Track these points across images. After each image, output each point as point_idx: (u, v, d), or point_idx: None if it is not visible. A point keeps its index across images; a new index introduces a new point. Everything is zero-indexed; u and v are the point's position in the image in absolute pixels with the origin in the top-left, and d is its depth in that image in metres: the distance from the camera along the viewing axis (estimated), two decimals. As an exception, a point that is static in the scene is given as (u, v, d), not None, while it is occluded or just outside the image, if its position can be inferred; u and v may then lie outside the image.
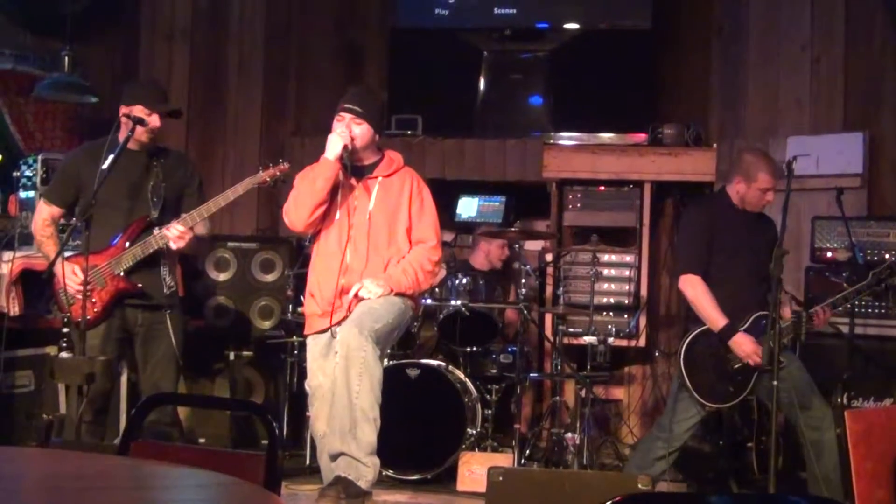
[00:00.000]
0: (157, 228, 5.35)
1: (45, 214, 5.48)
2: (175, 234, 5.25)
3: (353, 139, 5.19)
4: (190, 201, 5.52)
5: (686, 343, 5.55)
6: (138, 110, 5.32)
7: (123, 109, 5.36)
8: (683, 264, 5.68)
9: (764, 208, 5.70)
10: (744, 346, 5.42)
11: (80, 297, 5.09)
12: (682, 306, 5.91)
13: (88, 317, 5.12)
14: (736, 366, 5.47)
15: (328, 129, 5.31)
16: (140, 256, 5.31)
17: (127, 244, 5.32)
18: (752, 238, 5.63)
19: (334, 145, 5.17)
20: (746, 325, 5.48)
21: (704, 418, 5.68)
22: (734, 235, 5.64)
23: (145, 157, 5.43)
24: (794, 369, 5.48)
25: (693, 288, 5.56)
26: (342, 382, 4.88)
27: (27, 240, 5.88)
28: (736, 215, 5.68)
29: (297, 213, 5.26)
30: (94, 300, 5.24)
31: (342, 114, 5.27)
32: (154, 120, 5.35)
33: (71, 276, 5.20)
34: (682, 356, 5.53)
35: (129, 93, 5.46)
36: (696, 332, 5.55)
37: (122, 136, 5.32)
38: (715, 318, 5.48)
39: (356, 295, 5.10)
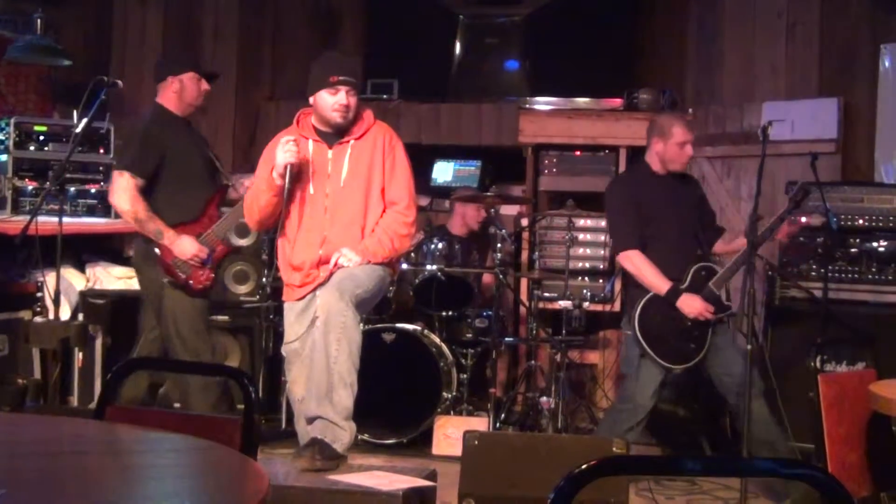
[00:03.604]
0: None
1: (134, 190, 5.44)
2: None
3: (298, 161, 4.98)
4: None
5: (638, 312, 5.59)
6: (189, 77, 5.55)
7: (173, 78, 5.52)
8: (620, 242, 5.76)
9: (686, 165, 5.81)
10: (691, 305, 5.53)
11: (206, 267, 5.51)
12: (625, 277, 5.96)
13: (208, 283, 5.56)
14: (689, 322, 5.55)
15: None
16: (237, 221, 5.69)
17: (217, 211, 5.64)
18: (677, 199, 5.75)
19: (279, 163, 4.96)
20: (687, 283, 5.60)
21: (672, 381, 5.74)
22: (659, 201, 5.73)
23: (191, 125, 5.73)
24: (729, 336, 5.67)
25: (632, 263, 5.65)
26: (321, 346, 4.84)
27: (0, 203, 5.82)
28: (657, 182, 5.77)
29: (250, 220, 5.32)
30: (209, 266, 5.56)
31: (339, 87, 5.02)
32: (205, 85, 5.65)
33: (199, 248, 5.48)
34: (636, 325, 5.58)
35: (178, 59, 5.74)
36: (644, 299, 5.61)
37: (173, 107, 5.53)
38: (658, 284, 5.58)
39: (336, 263, 5.01)
